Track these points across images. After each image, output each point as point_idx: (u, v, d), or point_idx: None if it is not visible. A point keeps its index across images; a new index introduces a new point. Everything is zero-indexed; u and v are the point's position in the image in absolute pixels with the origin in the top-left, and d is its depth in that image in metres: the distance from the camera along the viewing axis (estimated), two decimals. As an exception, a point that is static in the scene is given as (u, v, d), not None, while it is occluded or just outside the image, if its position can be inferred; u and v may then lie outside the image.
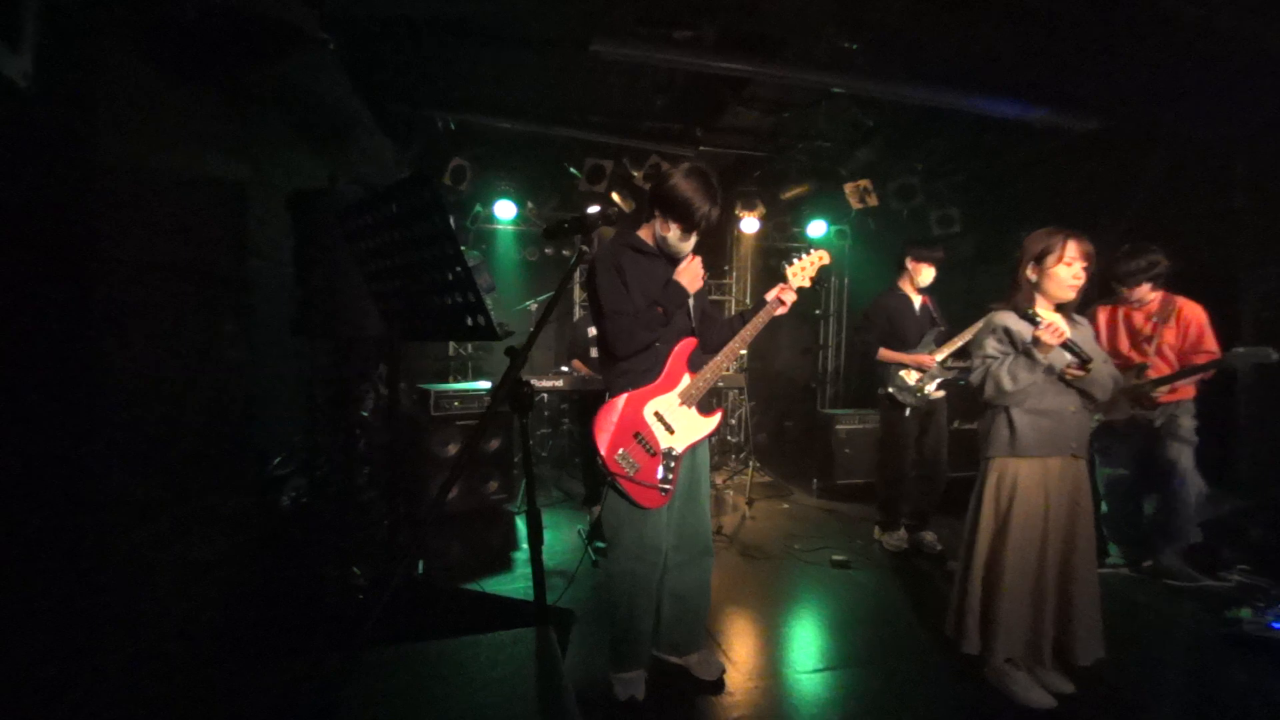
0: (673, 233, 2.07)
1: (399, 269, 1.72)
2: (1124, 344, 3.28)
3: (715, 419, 2.19)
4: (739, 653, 2.53)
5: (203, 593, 2.23)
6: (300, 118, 3.34)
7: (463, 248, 1.38)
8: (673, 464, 2.09)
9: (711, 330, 2.29)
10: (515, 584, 3.10)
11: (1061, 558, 2.11)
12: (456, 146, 4.78)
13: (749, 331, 2.17)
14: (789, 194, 5.78)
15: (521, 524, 4.04)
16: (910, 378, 3.60)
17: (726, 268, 6.93)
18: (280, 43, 2.43)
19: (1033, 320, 2.03)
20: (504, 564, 3.40)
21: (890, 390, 3.65)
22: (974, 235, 5.42)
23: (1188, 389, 3.15)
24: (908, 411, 3.63)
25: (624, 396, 2.07)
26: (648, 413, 2.08)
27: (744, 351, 6.20)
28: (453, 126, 4.53)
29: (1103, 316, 3.37)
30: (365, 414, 3.08)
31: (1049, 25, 3.13)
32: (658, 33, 3.42)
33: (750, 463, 5.05)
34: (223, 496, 2.38)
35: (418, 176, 1.36)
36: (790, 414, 6.96)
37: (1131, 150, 4.03)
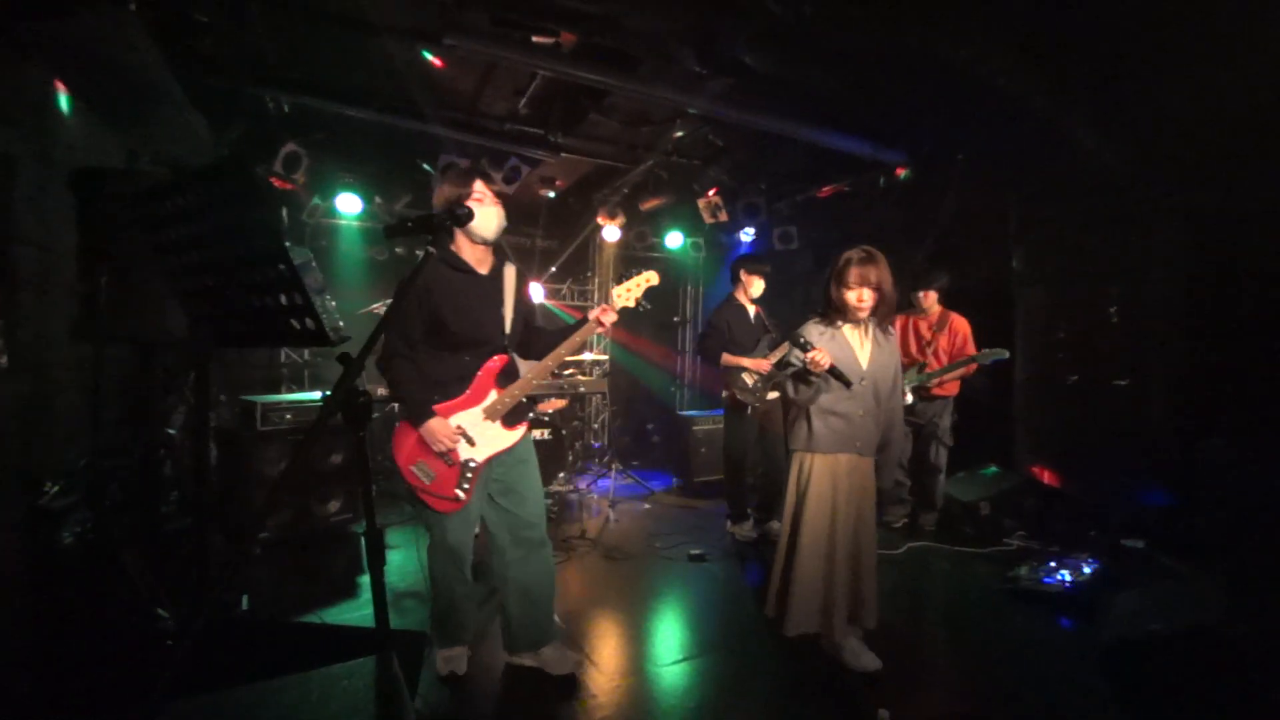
0: (478, 206, 2.05)
1: (210, 264, 1.51)
2: (912, 346, 4.12)
3: (519, 431, 2.25)
4: (603, 654, 2.55)
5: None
6: (90, 84, 2.83)
7: (289, 244, 1.24)
8: (469, 474, 2.15)
9: (537, 342, 2.36)
10: (361, 611, 2.86)
11: (850, 540, 2.37)
12: (291, 131, 4.30)
13: (564, 350, 2.22)
14: (647, 205, 5.95)
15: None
16: (749, 380, 3.88)
17: (589, 274, 6.98)
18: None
19: (803, 348, 2.27)
20: (348, 590, 3.10)
21: (733, 392, 3.90)
22: (811, 251, 5.95)
23: (953, 385, 4.05)
24: (749, 411, 3.90)
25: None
26: (450, 426, 2.11)
27: (605, 358, 6.30)
28: (286, 109, 4.06)
29: (899, 324, 4.13)
30: (173, 431, 2.66)
31: (870, 73, 3.54)
32: (515, 34, 3.36)
33: (613, 466, 5.12)
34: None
35: (234, 159, 1.21)
36: (651, 417, 7.16)
37: (932, 188, 4.68)
